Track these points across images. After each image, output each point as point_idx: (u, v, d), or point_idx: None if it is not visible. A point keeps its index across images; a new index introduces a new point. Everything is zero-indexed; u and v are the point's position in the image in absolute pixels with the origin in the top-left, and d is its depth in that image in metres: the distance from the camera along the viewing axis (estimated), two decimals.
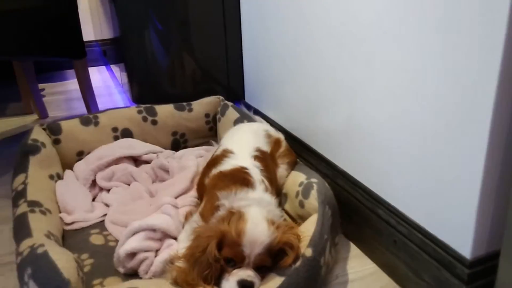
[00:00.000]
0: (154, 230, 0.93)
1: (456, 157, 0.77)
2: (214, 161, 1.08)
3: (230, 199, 0.90)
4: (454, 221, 0.80)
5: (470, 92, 0.72)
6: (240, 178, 0.96)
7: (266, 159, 1.09)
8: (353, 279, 0.97)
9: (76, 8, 1.59)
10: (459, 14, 0.71)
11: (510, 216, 0.68)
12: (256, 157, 1.06)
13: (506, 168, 0.74)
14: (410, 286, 0.92)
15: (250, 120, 1.38)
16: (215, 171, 1.03)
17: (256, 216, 0.84)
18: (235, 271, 0.81)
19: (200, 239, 0.83)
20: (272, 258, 0.83)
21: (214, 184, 0.99)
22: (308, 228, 0.90)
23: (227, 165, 1.03)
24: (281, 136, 1.24)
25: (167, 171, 1.25)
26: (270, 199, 0.95)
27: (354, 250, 1.07)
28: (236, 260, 0.81)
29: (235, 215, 0.84)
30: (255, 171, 1.01)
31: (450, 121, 0.77)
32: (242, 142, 1.12)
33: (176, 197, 1.11)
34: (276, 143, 1.19)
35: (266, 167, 1.05)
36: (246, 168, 1.00)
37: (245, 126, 1.28)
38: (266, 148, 1.14)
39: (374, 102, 0.96)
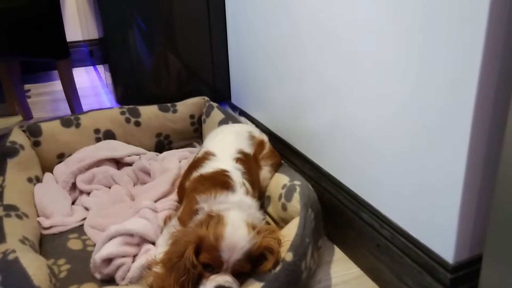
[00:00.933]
0: (131, 235, 0.91)
1: (438, 161, 0.76)
2: (195, 164, 1.06)
3: (210, 203, 0.88)
4: (437, 225, 0.79)
5: (452, 95, 0.71)
6: (220, 181, 0.94)
7: (248, 161, 1.07)
8: (336, 284, 0.96)
9: (59, 7, 1.57)
10: (443, 14, 0.70)
11: (492, 220, 0.67)
12: (238, 160, 1.04)
13: (488, 172, 0.73)
14: None
15: (235, 121, 1.36)
16: (195, 174, 1.01)
17: (236, 220, 0.82)
18: (212, 276, 0.79)
19: (177, 244, 0.81)
20: (252, 264, 0.81)
21: (194, 187, 0.97)
22: (290, 232, 0.88)
23: (208, 168, 1.01)
24: (265, 137, 1.22)
25: (148, 173, 1.23)
26: (251, 202, 0.93)
27: (338, 254, 1.06)
28: (214, 266, 0.79)
29: (214, 219, 0.82)
30: (236, 174, 0.99)
31: (433, 124, 0.75)
32: (224, 144, 1.10)
33: (155, 201, 1.08)
34: (259, 145, 1.17)
35: (248, 170, 1.03)
36: (227, 171, 0.98)
37: (228, 128, 1.26)
38: (249, 150, 1.12)
39: (358, 105, 0.94)
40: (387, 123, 0.87)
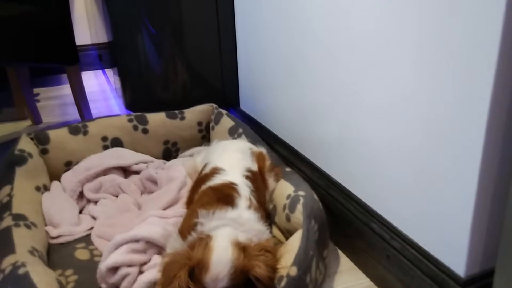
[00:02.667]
0: (137, 240, 0.90)
1: (450, 172, 0.74)
2: (204, 178, 1.04)
3: (208, 218, 0.86)
4: (448, 238, 0.77)
5: (465, 107, 0.69)
6: (225, 195, 0.93)
7: (256, 179, 1.06)
8: None
9: (69, 13, 1.57)
10: (455, 24, 0.69)
11: (505, 233, 0.65)
12: (247, 177, 1.03)
13: (500, 185, 0.71)
14: None
15: (245, 128, 1.35)
16: (204, 187, 1.00)
17: (222, 243, 0.79)
18: None
19: (168, 271, 0.79)
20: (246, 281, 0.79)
21: (199, 198, 0.96)
22: (293, 244, 0.87)
23: (217, 180, 1.00)
24: (263, 150, 1.20)
25: (155, 182, 1.22)
26: (249, 216, 0.90)
27: (348, 264, 1.04)
28: None
29: (202, 242, 0.80)
30: (244, 188, 0.98)
31: (444, 136, 0.74)
32: (233, 162, 1.08)
33: (164, 209, 1.08)
34: (261, 158, 1.15)
35: (256, 187, 1.02)
36: (235, 184, 0.97)
37: (231, 145, 1.21)
38: (254, 167, 1.10)
39: (368, 113, 0.93)
40: (398, 133, 0.85)
